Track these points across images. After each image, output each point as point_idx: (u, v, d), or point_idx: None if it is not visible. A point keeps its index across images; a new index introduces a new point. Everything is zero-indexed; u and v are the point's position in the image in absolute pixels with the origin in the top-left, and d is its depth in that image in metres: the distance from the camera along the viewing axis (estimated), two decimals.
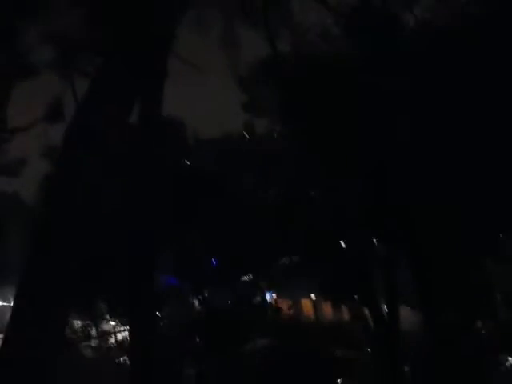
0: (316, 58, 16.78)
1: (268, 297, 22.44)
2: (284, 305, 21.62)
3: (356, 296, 18.06)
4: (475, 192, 13.51)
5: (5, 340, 8.05)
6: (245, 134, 21.91)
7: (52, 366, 8.03)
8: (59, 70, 17.94)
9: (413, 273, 16.05)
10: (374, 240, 17.39)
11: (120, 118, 9.08)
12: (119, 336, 21.02)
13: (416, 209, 14.38)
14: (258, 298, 21.49)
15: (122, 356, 20.60)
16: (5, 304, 28.73)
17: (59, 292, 8.18)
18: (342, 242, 17.91)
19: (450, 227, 13.79)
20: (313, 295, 23.14)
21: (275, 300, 23.23)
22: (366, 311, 17.62)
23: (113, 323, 20.77)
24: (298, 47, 17.80)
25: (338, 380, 18.62)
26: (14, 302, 8.35)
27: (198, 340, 19.52)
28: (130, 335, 15.86)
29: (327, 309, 20.44)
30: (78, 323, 19.83)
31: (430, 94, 13.57)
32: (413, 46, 14.81)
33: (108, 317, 20.52)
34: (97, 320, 20.41)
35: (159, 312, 18.78)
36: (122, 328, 20.54)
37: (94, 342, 20.90)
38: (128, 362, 19.98)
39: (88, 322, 20.23)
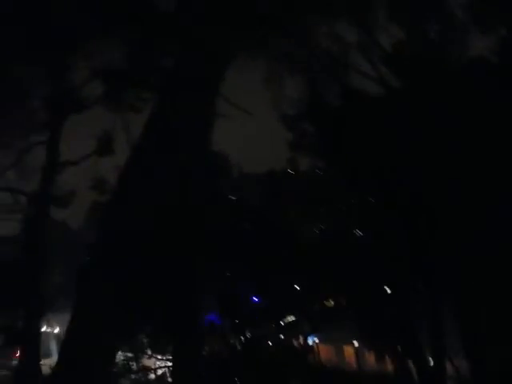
0: (361, 98, 16.83)
1: (310, 341, 22.19)
2: (326, 350, 21.32)
3: (399, 347, 17.67)
4: None
5: (57, 364, 8.29)
6: (289, 170, 21.98)
7: None
8: (109, 105, 18.38)
9: (460, 324, 15.64)
10: (420, 288, 17.08)
11: (173, 156, 9.30)
12: (159, 371, 21.08)
13: (467, 260, 14.10)
14: (300, 341, 21.28)
15: None
16: (48, 330, 29.27)
17: (110, 322, 8.35)
18: (386, 288, 17.63)
19: (499, 280, 13.48)
20: (355, 342, 22.76)
21: (317, 344, 22.96)
22: (410, 363, 17.21)
23: (154, 359, 20.81)
24: (342, 86, 17.87)
25: None
26: (68, 330, 8.56)
27: (236, 380, 19.35)
28: (171, 371, 15.95)
29: (370, 357, 20.00)
30: (120, 356, 19.96)
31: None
32: (458, 84, 14.67)
33: (149, 352, 20.57)
34: (138, 354, 20.47)
35: (200, 349, 18.76)
36: (162, 364, 20.58)
37: (134, 376, 20.94)
38: None
39: (130, 355, 20.31)
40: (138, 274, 9.14)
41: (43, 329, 23.77)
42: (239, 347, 20.19)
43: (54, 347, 29.82)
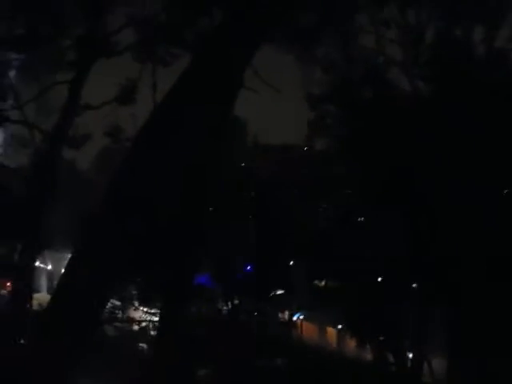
0: (387, 89, 16.85)
1: (295, 317, 22.49)
2: (310, 328, 21.60)
3: (382, 338, 17.93)
4: None
5: (53, 300, 8.48)
6: (305, 148, 22.05)
7: (89, 338, 8.40)
8: (139, 55, 18.37)
9: (448, 326, 15.86)
10: (413, 286, 17.28)
11: (196, 117, 9.36)
12: (143, 324, 21.41)
13: (464, 271, 14.23)
14: (286, 316, 21.59)
15: (142, 343, 21.03)
16: (41, 266, 29.61)
17: (108, 268, 8.51)
18: (379, 279, 17.81)
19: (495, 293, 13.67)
20: (339, 326, 23.04)
21: (301, 321, 23.24)
22: (390, 355, 17.49)
23: (140, 311, 21.13)
24: (373, 75, 17.87)
25: None
26: (67, 269, 8.72)
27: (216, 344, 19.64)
28: (159, 324, 16.26)
29: (351, 343, 20.28)
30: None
31: None
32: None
33: (137, 304, 20.89)
34: (126, 304, 20.80)
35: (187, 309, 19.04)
36: (147, 317, 20.89)
37: (118, 325, 21.30)
38: (146, 348, 20.42)
39: (117, 304, 20.61)
40: (140, 228, 9.27)
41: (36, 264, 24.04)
42: (226, 312, 20.50)
43: (44, 283, 30.20)
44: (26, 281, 18.75)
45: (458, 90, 14.50)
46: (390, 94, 16.21)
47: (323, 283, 20.76)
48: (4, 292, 24.37)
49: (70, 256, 9.46)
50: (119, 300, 20.61)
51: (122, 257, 8.87)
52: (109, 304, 19.84)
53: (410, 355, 17.31)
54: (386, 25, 17.35)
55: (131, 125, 18.78)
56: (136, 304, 20.98)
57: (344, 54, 17.59)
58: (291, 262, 20.62)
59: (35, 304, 19.05)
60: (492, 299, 14.02)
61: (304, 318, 23.66)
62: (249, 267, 20.46)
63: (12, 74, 19.77)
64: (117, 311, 20.79)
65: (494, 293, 13.91)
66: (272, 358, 19.45)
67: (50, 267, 30.91)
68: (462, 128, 14.03)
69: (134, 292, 20.59)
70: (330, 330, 25.24)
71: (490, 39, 15.88)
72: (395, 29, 17.45)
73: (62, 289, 9.12)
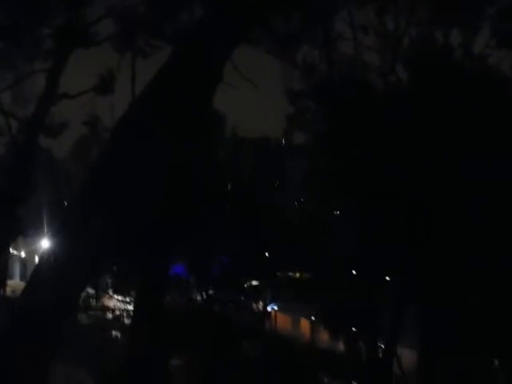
0: (369, 87, 17.06)
1: (269, 308, 22.69)
2: (283, 319, 21.80)
3: (354, 329, 18.17)
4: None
5: (27, 287, 8.54)
6: (282, 140, 22.22)
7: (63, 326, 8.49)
8: (118, 46, 18.34)
9: (421, 318, 16.12)
10: (387, 278, 17.53)
11: (174, 116, 9.45)
12: (117, 312, 21.48)
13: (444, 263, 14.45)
14: (260, 306, 21.76)
15: (115, 331, 21.11)
16: (15, 253, 29.52)
17: (86, 256, 8.60)
18: (354, 271, 18.02)
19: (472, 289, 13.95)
20: (313, 317, 23.31)
21: (275, 312, 23.42)
22: (363, 346, 17.76)
23: (114, 300, 21.19)
24: (353, 72, 18.09)
25: None
26: (44, 256, 8.78)
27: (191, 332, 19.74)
28: (134, 313, 16.35)
29: (325, 334, 20.55)
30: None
31: None
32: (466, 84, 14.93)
33: (111, 292, 20.95)
34: (100, 292, 20.86)
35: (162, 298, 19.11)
36: (122, 306, 20.97)
37: (92, 313, 21.35)
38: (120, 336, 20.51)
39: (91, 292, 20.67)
40: (117, 219, 9.35)
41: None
42: (200, 302, 20.61)
43: (18, 270, 30.11)
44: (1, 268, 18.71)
45: (435, 85, 14.75)
46: (367, 92, 16.40)
47: (297, 275, 21.05)
48: None
49: (43, 244, 9.53)
50: (93, 288, 20.68)
51: (98, 246, 8.95)
52: (83, 292, 19.94)
53: (382, 346, 17.58)
54: (364, 30, 17.58)
55: (109, 115, 18.87)
56: (110, 292, 21.04)
57: (324, 56, 17.76)
58: (266, 254, 20.81)
59: (8, 291, 19.03)
60: (468, 297, 14.34)
61: (278, 309, 23.90)
62: (224, 258, 20.60)
63: None
64: (91, 299, 20.85)
65: (471, 291, 14.22)
66: (245, 349, 19.67)
67: (23, 255, 30.80)
68: (438, 123, 14.29)
69: (109, 280, 20.66)
70: (304, 322, 25.53)
71: (468, 43, 16.17)
72: (373, 35, 17.69)
73: (36, 277, 9.17)
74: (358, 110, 15.72)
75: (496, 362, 16.03)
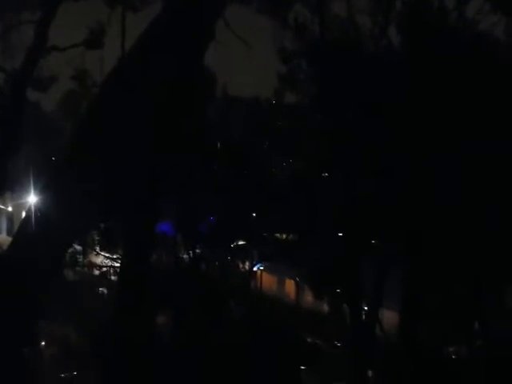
0: (363, 49, 16.92)
1: (255, 268, 22.80)
2: (269, 280, 21.94)
3: (338, 290, 18.35)
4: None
5: (13, 243, 8.52)
6: (273, 100, 22.06)
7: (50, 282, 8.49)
8: None
9: (405, 280, 16.29)
10: (372, 241, 17.65)
11: (163, 72, 9.32)
12: (104, 269, 21.55)
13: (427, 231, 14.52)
14: (246, 266, 21.86)
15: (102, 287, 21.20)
16: (2, 207, 29.43)
17: (73, 213, 8.57)
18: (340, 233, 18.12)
19: (458, 257, 14.09)
20: (298, 278, 23.50)
21: (261, 272, 23.54)
22: (346, 307, 17.96)
23: (101, 256, 21.21)
24: (345, 34, 17.88)
25: (302, 366, 18.98)
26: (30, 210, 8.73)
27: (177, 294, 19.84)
28: (120, 270, 16.34)
29: (309, 295, 20.77)
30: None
31: None
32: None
33: (98, 249, 20.94)
34: (87, 249, 20.86)
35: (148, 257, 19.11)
36: (109, 262, 21.01)
37: (79, 269, 21.42)
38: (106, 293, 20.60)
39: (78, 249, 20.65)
40: (105, 174, 9.30)
41: None
42: (187, 261, 20.65)
43: (4, 225, 30.04)
44: None
45: (427, 50, 14.65)
46: (359, 54, 16.28)
47: (284, 236, 21.10)
48: None
49: (31, 199, 9.46)
50: (80, 245, 20.66)
51: (85, 202, 8.91)
52: (70, 248, 19.94)
53: (365, 308, 17.80)
54: None
55: (98, 69, 18.56)
56: (97, 249, 21.04)
57: (315, 16, 17.51)
58: (254, 214, 20.83)
59: None
60: (450, 257, 14.51)
61: (264, 269, 24.04)
62: (211, 218, 20.58)
63: None
64: (78, 256, 20.85)
65: (456, 255, 14.39)
66: (230, 308, 19.83)
67: (10, 209, 30.69)
68: (429, 88, 14.24)
69: (96, 238, 20.62)
70: (289, 282, 25.75)
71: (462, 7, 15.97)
72: None
73: (23, 232, 9.14)
74: (349, 71, 15.62)
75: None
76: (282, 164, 21.22)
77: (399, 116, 14.69)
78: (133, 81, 8.91)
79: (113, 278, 20.81)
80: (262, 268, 23.82)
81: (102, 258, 21.34)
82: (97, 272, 22.07)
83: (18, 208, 27.19)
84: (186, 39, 9.23)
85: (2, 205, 28.90)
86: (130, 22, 16.66)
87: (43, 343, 17.12)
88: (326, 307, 20.51)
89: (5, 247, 10.30)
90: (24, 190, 23.11)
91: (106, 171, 9.22)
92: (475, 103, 13.68)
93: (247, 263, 21.83)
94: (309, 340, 20.18)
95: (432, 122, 14.17)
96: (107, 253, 20.81)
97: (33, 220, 8.62)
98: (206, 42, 10.24)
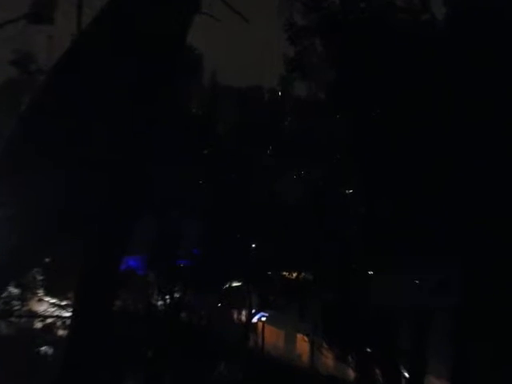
0: (396, 24, 17.21)
1: (255, 318, 22.80)
2: (274, 334, 21.95)
3: (369, 350, 18.36)
4: None
5: None
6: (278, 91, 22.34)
7: None
8: None
9: (451, 340, 16.36)
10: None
11: (135, 52, 9.55)
12: (49, 320, 21.58)
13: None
14: (242, 316, 21.92)
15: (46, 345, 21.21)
16: None
17: None
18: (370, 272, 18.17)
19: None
20: (312, 333, 23.51)
21: (263, 324, 23.51)
22: (379, 372, 17.99)
23: (45, 303, 21.24)
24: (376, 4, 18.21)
25: None
26: None
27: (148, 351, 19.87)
28: (72, 321, 16.44)
29: (328, 356, 20.77)
30: None
31: None
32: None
33: (42, 293, 20.95)
34: (26, 293, 20.85)
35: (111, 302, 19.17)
36: (55, 311, 21.03)
37: (15, 320, 21.42)
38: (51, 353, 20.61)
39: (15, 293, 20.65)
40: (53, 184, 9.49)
41: None
42: (162, 308, 20.60)
43: None
44: None
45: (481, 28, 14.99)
46: (394, 31, 16.58)
47: (295, 274, 21.17)
48: None
49: None
50: (17, 287, 20.69)
51: (27, 224, 9.07)
52: (4, 293, 20.01)
53: (406, 374, 17.82)
54: None
55: (46, 52, 18.82)
56: (41, 294, 21.10)
57: None
58: (253, 245, 20.94)
59: None
60: None
61: (267, 319, 24.08)
62: (195, 249, 20.51)
63: None
64: (14, 302, 20.86)
65: None
66: (222, 372, 19.90)
67: None
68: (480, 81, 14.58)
69: (39, 277, 20.68)
70: (301, 338, 25.76)
71: None
72: None
73: None
74: (378, 53, 15.90)
75: None
76: (292, 175, 21.38)
77: (443, 110, 14.95)
78: (94, 64, 9.11)
79: (60, 332, 20.84)
80: (264, 319, 23.86)
81: (46, 306, 21.36)
82: (39, 324, 22.08)
83: None
84: (162, 10, 9.44)
85: None
86: None
87: None
88: (351, 373, 20.56)
89: None
90: None
91: (55, 176, 9.39)
92: None
93: (244, 312, 21.90)
94: None
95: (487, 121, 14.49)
96: (54, 298, 20.87)
97: None
98: (190, 15, 10.43)
